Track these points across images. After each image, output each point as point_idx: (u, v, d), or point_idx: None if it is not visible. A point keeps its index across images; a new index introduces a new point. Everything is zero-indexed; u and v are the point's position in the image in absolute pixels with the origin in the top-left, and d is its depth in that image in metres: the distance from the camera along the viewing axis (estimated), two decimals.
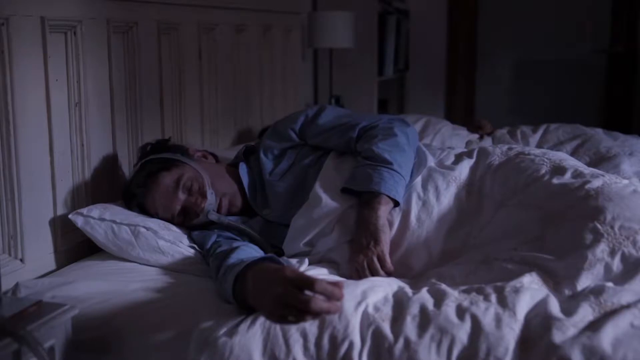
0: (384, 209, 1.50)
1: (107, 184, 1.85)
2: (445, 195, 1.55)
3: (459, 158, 1.66)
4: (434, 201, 1.54)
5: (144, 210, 1.72)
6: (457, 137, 2.79)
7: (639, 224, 1.30)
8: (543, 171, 1.52)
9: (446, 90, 4.56)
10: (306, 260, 1.49)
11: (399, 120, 1.73)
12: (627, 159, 2.30)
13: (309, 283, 1.08)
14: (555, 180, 1.48)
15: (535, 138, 2.71)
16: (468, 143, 2.74)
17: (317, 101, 3.84)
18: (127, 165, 1.94)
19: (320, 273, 1.43)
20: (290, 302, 1.07)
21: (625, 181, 1.47)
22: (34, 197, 1.60)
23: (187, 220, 1.71)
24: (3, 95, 1.50)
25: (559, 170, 1.52)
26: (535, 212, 1.43)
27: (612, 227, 1.30)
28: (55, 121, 1.65)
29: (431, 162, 1.64)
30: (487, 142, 2.76)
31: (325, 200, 1.57)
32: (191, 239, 1.68)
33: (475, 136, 2.86)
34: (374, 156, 1.59)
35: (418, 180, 1.59)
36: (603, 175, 1.48)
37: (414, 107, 4.44)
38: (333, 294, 1.09)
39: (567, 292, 1.23)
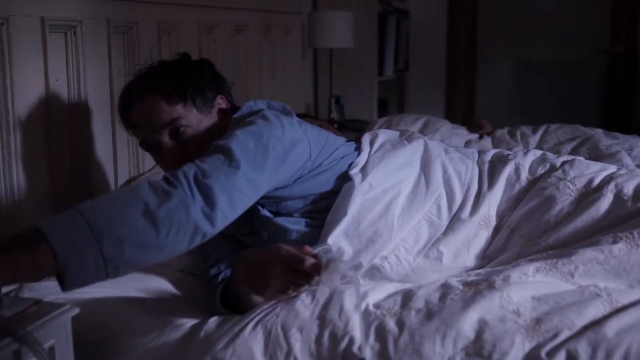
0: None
1: (107, 184, 1.85)
2: (475, 246, 1.41)
3: (480, 194, 1.47)
4: (465, 255, 1.40)
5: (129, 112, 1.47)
6: (457, 137, 2.79)
7: None
8: (571, 206, 1.42)
9: (446, 90, 4.56)
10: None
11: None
12: (628, 154, 2.31)
13: (300, 261, 1.12)
14: (584, 217, 1.39)
15: (535, 138, 2.72)
16: (468, 143, 2.74)
17: (317, 101, 3.84)
18: (127, 165, 1.94)
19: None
20: (290, 279, 1.14)
21: None
22: (34, 197, 1.60)
23: (157, 156, 1.48)
24: (3, 95, 1.50)
25: (586, 199, 1.42)
26: (561, 245, 1.39)
27: (631, 233, 1.30)
28: (55, 121, 1.65)
29: (459, 196, 1.44)
30: (487, 142, 2.77)
31: None
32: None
33: (475, 136, 2.86)
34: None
35: (441, 237, 1.40)
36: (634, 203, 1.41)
37: (413, 107, 4.45)
38: (317, 268, 1.11)
39: (579, 282, 1.23)
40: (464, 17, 4.48)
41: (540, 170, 1.52)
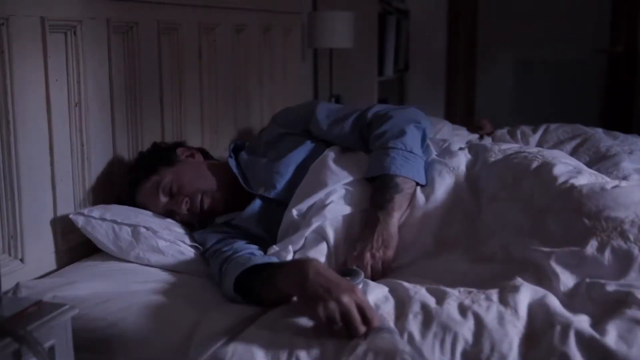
0: (397, 213, 1.52)
1: (107, 184, 1.85)
2: (441, 184, 1.58)
3: (458, 151, 1.72)
4: (429, 189, 1.58)
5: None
6: (457, 137, 2.80)
7: (624, 213, 1.29)
8: (533, 166, 1.53)
9: (446, 90, 4.56)
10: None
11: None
12: (627, 156, 2.32)
13: (371, 317, 1.11)
14: (542, 175, 1.49)
15: (535, 138, 2.72)
16: (468, 143, 2.74)
17: None
18: (127, 166, 1.94)
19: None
20: (348, 319, 1.10)
21: (610, 180, 1.49)
22: (34, 197, 1.60)
23: (180, 217, 1.78)
24: (3, 95, 1.49)
25: (548, 165, 1.52)
26: (523, 206, 1.44)
27: (598, 220, 1.29)
28: (55, 121, 1.65)
29: (434, 154, 1.71)
30: (487, 142, 2.77)
31: (333, 166, 1.64)
32: (192, 237, 1.68)
33: (475, 136, 2.87)
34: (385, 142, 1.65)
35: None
36: (591, 175, 1.49)
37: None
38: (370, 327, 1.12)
39: (562, 289, 1.23)
40: (464, 17, 4.47)
41: (515, 148, 1.68)
